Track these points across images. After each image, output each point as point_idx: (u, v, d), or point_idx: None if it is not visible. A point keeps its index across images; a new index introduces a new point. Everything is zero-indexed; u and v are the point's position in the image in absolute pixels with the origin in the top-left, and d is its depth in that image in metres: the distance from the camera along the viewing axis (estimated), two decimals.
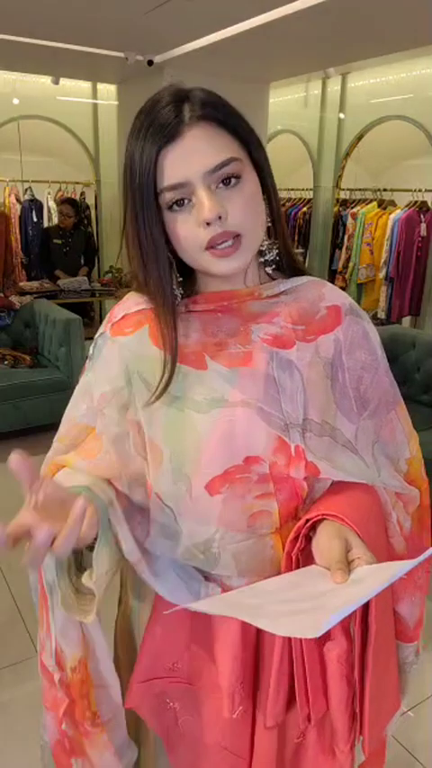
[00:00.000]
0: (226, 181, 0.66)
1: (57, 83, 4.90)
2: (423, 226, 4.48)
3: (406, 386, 3.23)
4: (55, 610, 0.72)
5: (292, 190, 5.92)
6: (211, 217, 0.65)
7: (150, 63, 3.91)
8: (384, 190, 4.87)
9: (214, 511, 0.71)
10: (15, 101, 5.22)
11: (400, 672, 0.86)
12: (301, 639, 0.67)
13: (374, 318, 4.82)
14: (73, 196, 5.72)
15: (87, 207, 5.86)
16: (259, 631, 0.75)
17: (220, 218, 0.65)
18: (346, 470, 0.72)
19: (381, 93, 4.78)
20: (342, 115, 5.16)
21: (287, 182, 5.99)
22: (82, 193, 5.82)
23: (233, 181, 0.67)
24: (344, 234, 5.08)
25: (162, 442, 0.72)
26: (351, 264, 4.91)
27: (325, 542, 0.65)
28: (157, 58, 3.91)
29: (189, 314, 0.76)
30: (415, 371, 3.17)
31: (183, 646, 0.78)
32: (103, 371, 0.78)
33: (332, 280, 5.32)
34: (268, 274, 0.79)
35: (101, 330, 0.80)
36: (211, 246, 0.67)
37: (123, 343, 0.76)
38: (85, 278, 4.92)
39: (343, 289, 5.60)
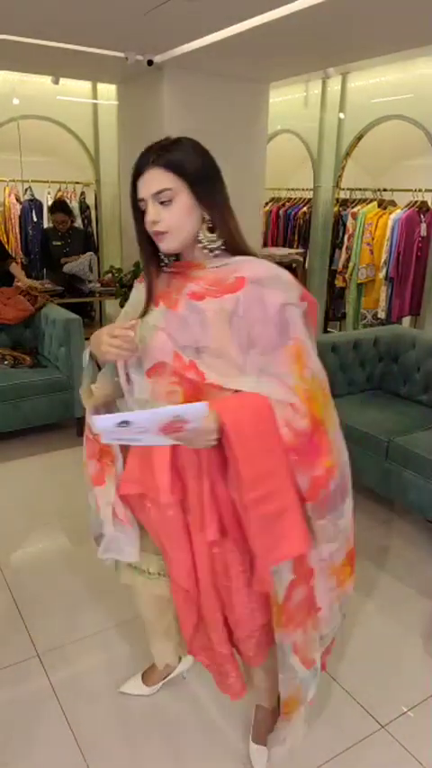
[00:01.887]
0: (162, 202, 1.18)
1: (57, 83, 4.90)
2: (423, 226, 4.48)
3: (406, 385, 3.23)
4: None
5: (292, 190, 5.92)
6: (149, 221, 1.20)
7: (150, 63, 3.91)
8: (384, 190, 4.87)
9: (149, 387, 1.26)
10: (15, 101, 5.22)
11: (309, 523, 1.23)
12: (217, 479, 1.21)
13: (375, 318, 4.82)
14: (72, 197, 5.72)
15: (87, 207, 5.85)
16: (179, 456, 1.23)
17: (155, 222, 1.19)
18: (229, 378, 1.18)
19: (380, 93, 4.78)
20: (342, 115, 5.16)
21: (287, 182, 6.00)
22: (82, 193, 5.81)
23: (166, 202, 1.18)
24: (344, 234, 5.08)
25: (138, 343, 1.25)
26: (351, 264, 4.91)
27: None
28: (157, 58, 3.91)
29: (163, 273, 1.31)
30: (415, 371, 3.17)
31: (147, 467, 1.28)
32: (130, 301, 1.39)
33: (332, 279, 5.33)
34: (216, 255, 1.25)
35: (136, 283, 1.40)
36: (155, 234, 1.22)
37: (136, 287, 1.38)
38: (90, 255, 4.92)
39: (343, 289, 5.65)
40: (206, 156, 1.21)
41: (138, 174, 1.19)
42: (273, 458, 1.15)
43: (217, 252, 1.25)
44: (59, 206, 5.07)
